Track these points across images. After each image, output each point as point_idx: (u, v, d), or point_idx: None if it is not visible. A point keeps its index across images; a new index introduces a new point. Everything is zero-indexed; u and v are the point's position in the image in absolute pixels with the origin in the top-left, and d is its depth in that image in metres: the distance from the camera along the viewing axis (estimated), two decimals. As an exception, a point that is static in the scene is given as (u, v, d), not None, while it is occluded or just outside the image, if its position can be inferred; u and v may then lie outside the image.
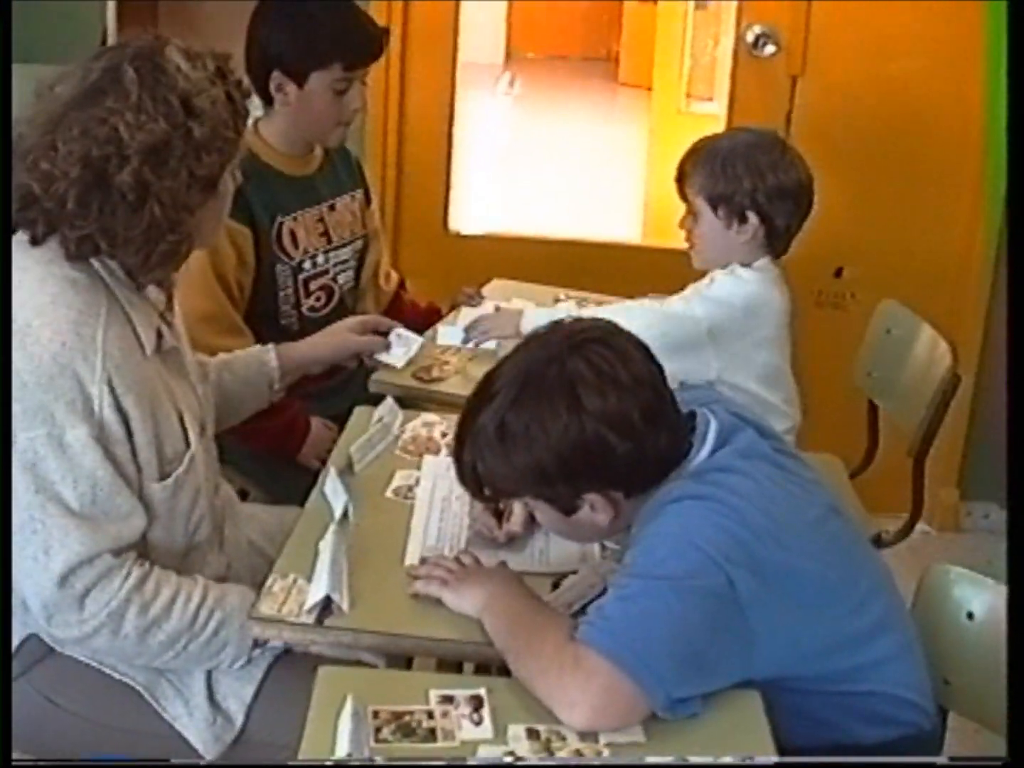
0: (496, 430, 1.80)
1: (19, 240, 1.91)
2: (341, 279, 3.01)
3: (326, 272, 2.96)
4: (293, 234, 2.87)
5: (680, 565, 1.70)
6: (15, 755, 2.18)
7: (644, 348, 1.86)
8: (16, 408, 1.80)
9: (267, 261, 2.82)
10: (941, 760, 1.85)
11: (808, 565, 1.78)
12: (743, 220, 2.61)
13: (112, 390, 1.84)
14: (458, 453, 1.88)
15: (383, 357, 2.65)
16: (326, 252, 2.95)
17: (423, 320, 3.15)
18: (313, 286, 2.93)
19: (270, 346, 2.45)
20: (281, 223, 2.85)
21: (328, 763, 1.57)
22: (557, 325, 1.89)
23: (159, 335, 1.97)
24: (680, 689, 1.67)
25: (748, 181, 2.59)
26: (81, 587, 1.84)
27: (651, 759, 1.62)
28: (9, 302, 1.85)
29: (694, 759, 1.61)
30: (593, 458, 1.78)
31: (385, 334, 2.64)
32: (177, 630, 1.90)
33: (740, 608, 1.71)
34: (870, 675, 1.83)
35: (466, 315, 3.07)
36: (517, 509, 2.07)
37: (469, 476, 1.87)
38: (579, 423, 1.76)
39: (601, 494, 1.82)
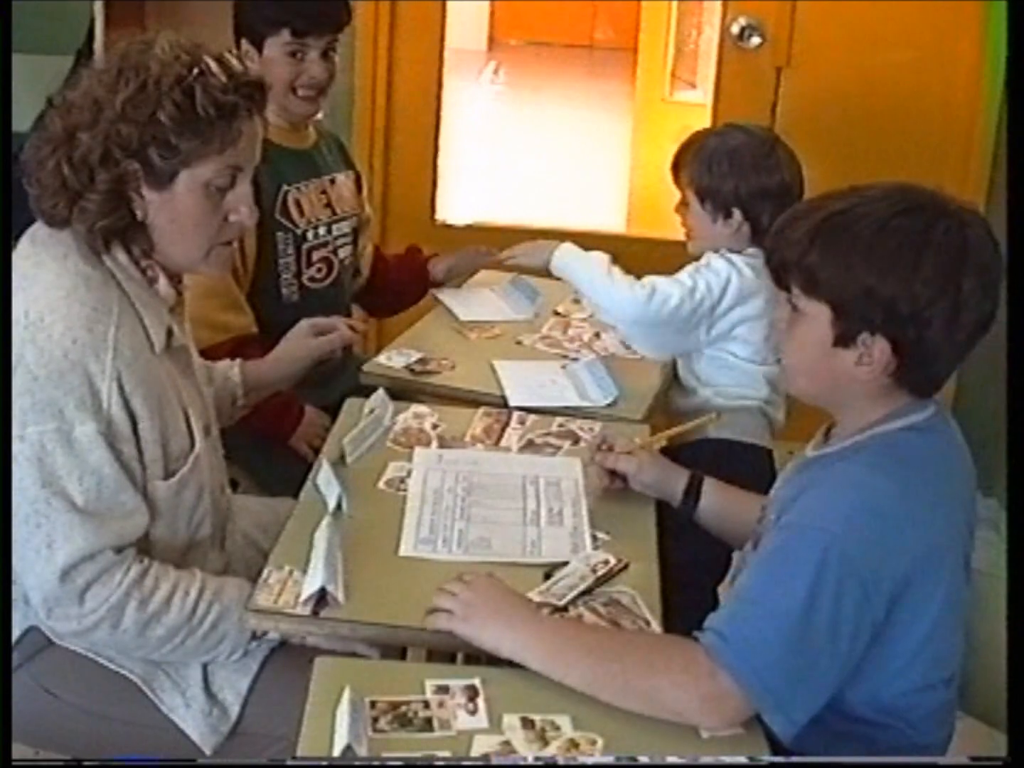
0: (869, 236, 1.69)
1: (34, 233, 1.93)
2: (341, 253, 3.07)
3: (327, 244, 3.02)
4: (298, 203, 2.95)
5: (818, 577, 1.65)
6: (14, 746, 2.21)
7: None
8: (26, 402, 1.81)
9: (269, 230, 2.86)
10: (941, 760, 1.85)
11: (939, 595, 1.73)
12: (728, 215, 2.69)
13: (121, 388, 1.85)
14: (792, 232, 1.76)
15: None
16: (328, 224, 3.02)
17: (409, 262, 3.31)
18: (315, 256, 3.00)
19: (236, 361, 2.45)
20: (287, 192, 2.92)
21: (342, 763, 1.59)
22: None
23: (169, 333, 1.98)
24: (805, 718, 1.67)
25: (731, 181, 2.67)
26: (82, 582, 1.85)
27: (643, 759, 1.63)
28: (9, 302, 1.86)
29: (671, 759, 1.63)
30: (918, 318, 1.68)
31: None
32: (176, 624, 1.91)
33: (870, 623, 1.69)
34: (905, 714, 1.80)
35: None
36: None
37: (791, 256, 1.76)
38: (943, 285, 1.67)
39: (891, 344, 1.71)
